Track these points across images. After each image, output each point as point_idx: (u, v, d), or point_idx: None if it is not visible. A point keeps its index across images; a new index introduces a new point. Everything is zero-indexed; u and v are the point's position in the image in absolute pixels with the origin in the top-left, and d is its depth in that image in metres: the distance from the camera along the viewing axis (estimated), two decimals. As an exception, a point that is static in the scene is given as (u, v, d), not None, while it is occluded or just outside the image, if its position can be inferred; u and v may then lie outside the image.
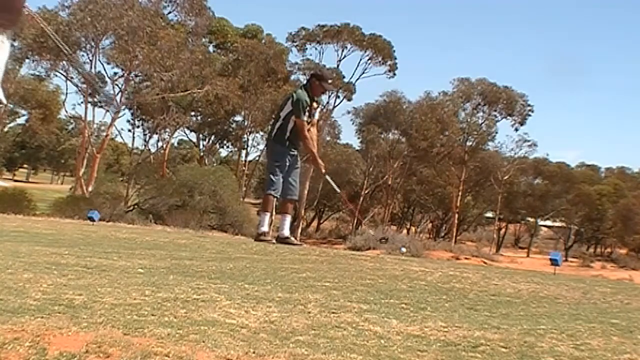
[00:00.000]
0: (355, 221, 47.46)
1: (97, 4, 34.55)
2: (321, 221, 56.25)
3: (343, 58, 44.31)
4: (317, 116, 7.29)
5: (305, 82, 7.49)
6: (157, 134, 42.37)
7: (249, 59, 40.51)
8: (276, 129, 7.10)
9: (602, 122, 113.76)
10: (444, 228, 55.41)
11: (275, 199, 7.15)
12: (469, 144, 48.84)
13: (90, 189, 34.94)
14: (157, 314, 1.90)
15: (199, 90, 37.54)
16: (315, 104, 7.12)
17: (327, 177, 7.84)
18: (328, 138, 47.02)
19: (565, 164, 57.01)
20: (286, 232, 7.16)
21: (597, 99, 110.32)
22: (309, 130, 7.09)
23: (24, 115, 46.47)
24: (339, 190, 8.59)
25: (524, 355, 1.87)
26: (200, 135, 47.59)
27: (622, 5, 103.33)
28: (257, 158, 47.67)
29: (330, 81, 7.45)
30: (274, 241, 7.03)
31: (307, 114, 7.03)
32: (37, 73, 39.98)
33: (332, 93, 42.49)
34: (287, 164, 7.03)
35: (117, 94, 37.44)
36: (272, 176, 6.99)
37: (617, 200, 54.65)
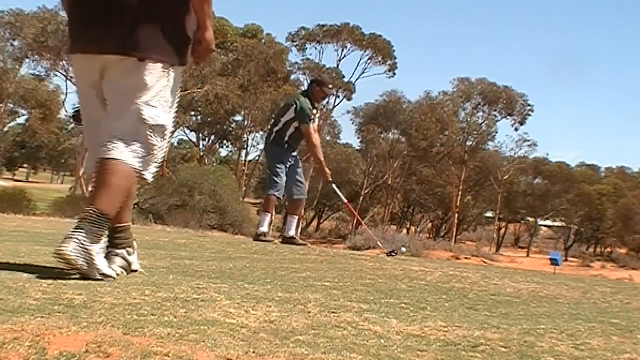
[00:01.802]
0: (355, 222, 47.47)
1: (97, 3, 34.47)
2: (321, 221, 56.27)
3: (343, 58, 44.40)
4: (317, 121, 7.30)
5: (306, 88, 7.50)
6: (157, 133, 42.32)
7: (249, 59, 40.52)
8: (275, 132, 7.11)
9: (602, 122, 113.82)
10: (444, 228, 55.44)
11: (277, 200, 7.16)
12: (469, 143, 48.87)
13: (90, 188, 34.89)
14: (157, 313, 1.90)
15: (199, 90, 37.55)
16: (315, 110, 7.13)
17: (334, 186, 7.81)
18: (328, 138, 47.07)
19: (565, 164, 57.11)
20: (292, 232, 7.17)
21: (597, 98, 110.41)
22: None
23: (24, 115, 46.43)
24: (345, 200, 8.59)
25: (524, 355, 1.87)
26: (200, 135, 47.60)
27: (622, 5, 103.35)
28: (257, 158, 47.69)
29: (330, 86, 7.46)
30: (274, 241, 7.04)
31: (313, 121, 7.05)
32: (37, 73, 40.01)
33: (332, 93, 42.47)
34: (288, 164, 7.04)
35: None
36: (274, 177, 6.99)
37: (617, 200, 54.68)
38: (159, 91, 2.65)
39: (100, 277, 2.50)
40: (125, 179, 2.58)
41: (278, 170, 6.99)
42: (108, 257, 2.80)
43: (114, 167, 2.55)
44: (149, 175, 2.66)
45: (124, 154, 2.56)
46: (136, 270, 2.86)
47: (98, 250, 2.52)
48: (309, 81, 8.01)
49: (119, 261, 2.79)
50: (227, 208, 32.73)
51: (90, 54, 2.65)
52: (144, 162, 2.62)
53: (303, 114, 6.91)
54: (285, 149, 7.01)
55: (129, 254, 2.83)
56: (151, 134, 2.62)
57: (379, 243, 8.73)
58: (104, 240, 2.62)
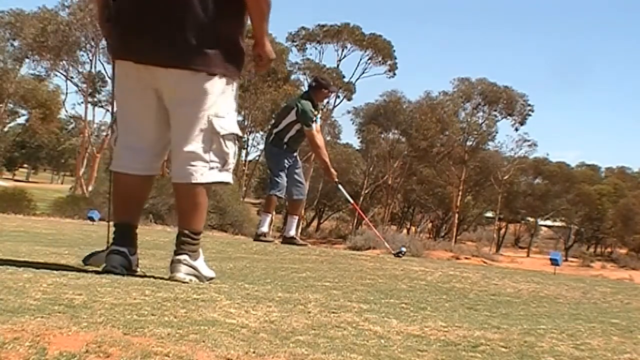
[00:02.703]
0: (355, 222, 47.48)
1: (97, 3, 34.41)
2: (321, 221, 56.25)
3: (343, 58, 44.36)
4: (319, 122, 7.31)
5: (306, 90, 7.50)
6: (157, 133, 42.29)
7: (249, 59, 40.45)
8: (274, 134, 7.11)
9: (602, 122, 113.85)
10: (444, 228, 55.42)
11: (277, 200, 7.17)
12: (469, 143, 48.86)
13: (90, 188, 34.96)
14: (157, 313, 1.90)
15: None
16: (316, 111, 7.14)
17: (340, 186, 7.79)
18: (328, 138, 47.03)
19: (565, 164, 57.06)
20: (292, 232, 7.19)
21: (598, 98, 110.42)
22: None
23: (24, 115, 46.42)
24: (351, 201, 8.58)
25: (524, 355, 1.87)
26: (200, 135, 47.52)
27: (622, 6, 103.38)
28: (257, 158, 47.66)
29: (331, 87, 7.47)
30: (274, 242, 7.05)
31: (316, 122, 7.07)
32: (37, 73, 40.02)
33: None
34: (288, 165, 7.05)
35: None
36: (275, 177, 7.00)
37: (617, 200, 54.67)
38: (225, 102, 2.85)
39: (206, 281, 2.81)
40: (207, 195, 2.86)
41: (278, 170, 6.99)
42: (109, 254, 2.84)
43: (197, 191, 2.81)
44: (228, 179, 2.89)
45: (205, 175, 2.79)
46: (136, 271, 2.91)
47: (201, 263, 2.85)
48: (310, 82, 8.01)
49: (120, 259, 2.84)
50: (227, 208, 32.70)
51: (149, 66, 2.75)
52: (221, 171, 2.83)
53: (305, 116, 6.90)
54: (284, 149, 7.02)
55: (130, 253, 2.88)
56: (224, 142, 2.81)
57: (385, 243, 8.78)
58: (200, 251, 2.88)
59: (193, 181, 2.77)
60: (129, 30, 2.80)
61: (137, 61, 2.78)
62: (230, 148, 2.85)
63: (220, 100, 2.82)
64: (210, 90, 2.78)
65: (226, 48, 2.81)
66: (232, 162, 2.87)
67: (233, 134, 2.86)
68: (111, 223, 2.99)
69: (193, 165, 2.77)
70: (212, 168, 2.80)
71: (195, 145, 2.76)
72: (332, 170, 7.36)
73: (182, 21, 2.73)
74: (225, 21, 2.78)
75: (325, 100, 7.92)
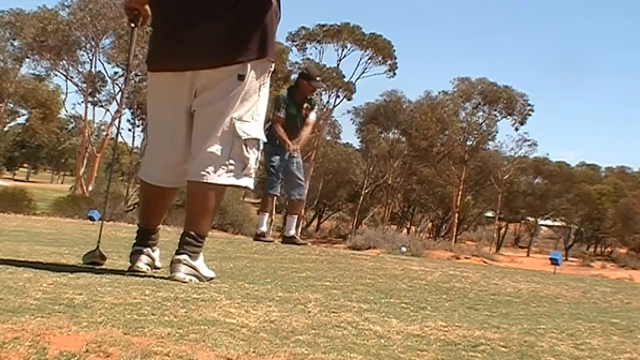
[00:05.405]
0: (354, 221, 47.47)
1: (97, 3, 34.51)
2: (321, 221, 56.23)
3: (343, 57, 44.32)
4: (313, 117, 7.24)
5: (294, 82, 7.49)
6: (157, 133, 42.28)
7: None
8: (265, 129, 7.10)
9: (602, 122, 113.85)
10: (444, 227, 55.41)
11: (274, 198, 7.18)
12: (469, 143, 48.85)
13: (90, 188, 34.96)
14: (157, 313, 1.90)
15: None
16: (308, 105, 7.11)
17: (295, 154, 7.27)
18: (328, 137, 47.04)
19: (565, 164, 57.04)
20: (292, 231, 7.20)
21: (597, 98, 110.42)
22: (302, 129, 7.11)
23: (24, 114, 46.44)
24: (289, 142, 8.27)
25: (524, 355, 1.87)
26: (201, 135, 47.52)
27: (622, 6, 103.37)
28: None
29: (318, 78, 7.39)
30: (274, 241, 7.05)
31: (284, 111, 7.04)
32: (37, 72, 40.02)
33: (332, 92, 42.49)
34: (282, 163, 7.02)
35: (118, 93, 37.46)
36: (270, 176, 7.02)
37: (617, 200, 54.67)
38: (252, 107, 2.83)
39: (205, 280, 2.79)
40: (219, 199, 2.84)
41: (271, 169, 6.99)
42: (134, 254, 2.95)
43: (211, 193, 2.78)
44: (249, 184, 2.86)
45: (221, 176, 2.76)
46: (159, 267, 3.00)
47: (200, 263, 2.82)
48: (297, 74, 8.01)
49: (144, 258, 2.95)
50: (227, 208, 32.72)
51: (184, 71, 2.77)
52: (240, 175, 2.80)
53: (275, 101, 6.97)
54: (276, 146, 6.95)
55: (153, 251, 2.99)
56: (245, 147, 2.80)
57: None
58: (202, 254, 2.86)
59: (209, 181, 2.75)
60: (168, 41, 2.82)
61: (176, 69, 2.79)
62: (252, 153, 2.83)
63: (247, 105, 2.81)
64: (239, 92, 2.78)
65: (259, 48, 2.82)
66: (253, 167, 2.84)
67: (256, 139, 2.85)
68: (105, 222, 3.03)
69: (210, 166, 2.75)
70: (230, 171, 2.77)
71: (215, 146, 2.75)
72: (289, 142, 7.00)
73: (217, 24, 2.75)
74: (258, 22, 2.81)
75: (315, 93, 7.84)
